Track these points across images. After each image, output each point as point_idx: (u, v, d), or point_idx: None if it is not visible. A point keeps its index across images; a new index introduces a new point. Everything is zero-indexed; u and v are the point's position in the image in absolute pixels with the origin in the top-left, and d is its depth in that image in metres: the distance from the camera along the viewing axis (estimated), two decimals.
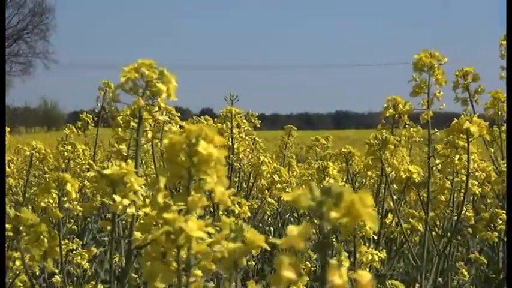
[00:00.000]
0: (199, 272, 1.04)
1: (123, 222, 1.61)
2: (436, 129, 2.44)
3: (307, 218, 3.31)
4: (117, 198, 1.33)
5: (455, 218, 2.39)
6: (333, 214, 0.76)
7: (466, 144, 2.16)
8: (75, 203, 1.81)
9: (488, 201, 2.91)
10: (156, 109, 1.45)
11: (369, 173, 2.50)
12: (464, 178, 2.26)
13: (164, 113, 1.48)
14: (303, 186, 3.24)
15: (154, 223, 1.12)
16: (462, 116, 2.21)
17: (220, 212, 2.73)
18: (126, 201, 1.34)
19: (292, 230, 0.77)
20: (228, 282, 1.10)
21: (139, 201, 1.36)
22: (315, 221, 0.77)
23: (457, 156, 2.18)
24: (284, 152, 4.77)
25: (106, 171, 1.34)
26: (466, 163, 2.18)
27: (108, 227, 1.44)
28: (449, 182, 2.39)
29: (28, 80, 44.47)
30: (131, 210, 1.36)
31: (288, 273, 0.76)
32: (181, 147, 1.07)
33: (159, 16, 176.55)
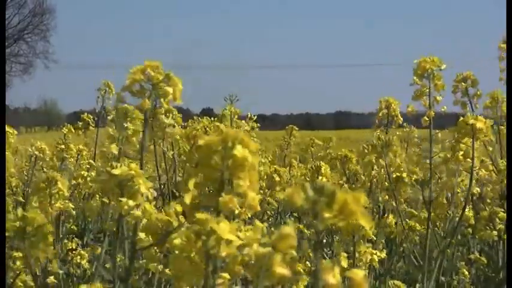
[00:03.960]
0: (226, 275, 1.01)
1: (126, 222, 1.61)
2: (437, 130, 2.44)
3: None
4: (123, 199, 1.32)
5: (457, 218, 2.39)
6: (326, 214, 0.76)
7: (471, 143, 2.16)
8: (67, 201, 1.82)
9: (488, 200, 2.91)
10: (163, 111, 1.44)
11: (373, 171, 2.54)
12: (464, 178, 2.27)
13: (170, 116, 1.48)
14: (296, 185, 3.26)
15: (160, 225, 1.09)
16: (468, 114, 2.22)
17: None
18: (132, 203, 1.33)
19: (286, 229, 0.77)
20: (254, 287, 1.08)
21: (145, 204, 1.35)
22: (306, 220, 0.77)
23: (461, 152, 2.19)
24: (285, 152, 4.77)
25: (115, 171, 1.33)
26: (470, 161, 2.18)
27: (114, 228, 1.43)
28: (452, 181, 2.39)
29: (28, 80, 44.43)
30: (138, 213, 1.35)
31: (282, 270, 0.76)
32: (217, 150, 1.05)
33: (159, 16, 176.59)
